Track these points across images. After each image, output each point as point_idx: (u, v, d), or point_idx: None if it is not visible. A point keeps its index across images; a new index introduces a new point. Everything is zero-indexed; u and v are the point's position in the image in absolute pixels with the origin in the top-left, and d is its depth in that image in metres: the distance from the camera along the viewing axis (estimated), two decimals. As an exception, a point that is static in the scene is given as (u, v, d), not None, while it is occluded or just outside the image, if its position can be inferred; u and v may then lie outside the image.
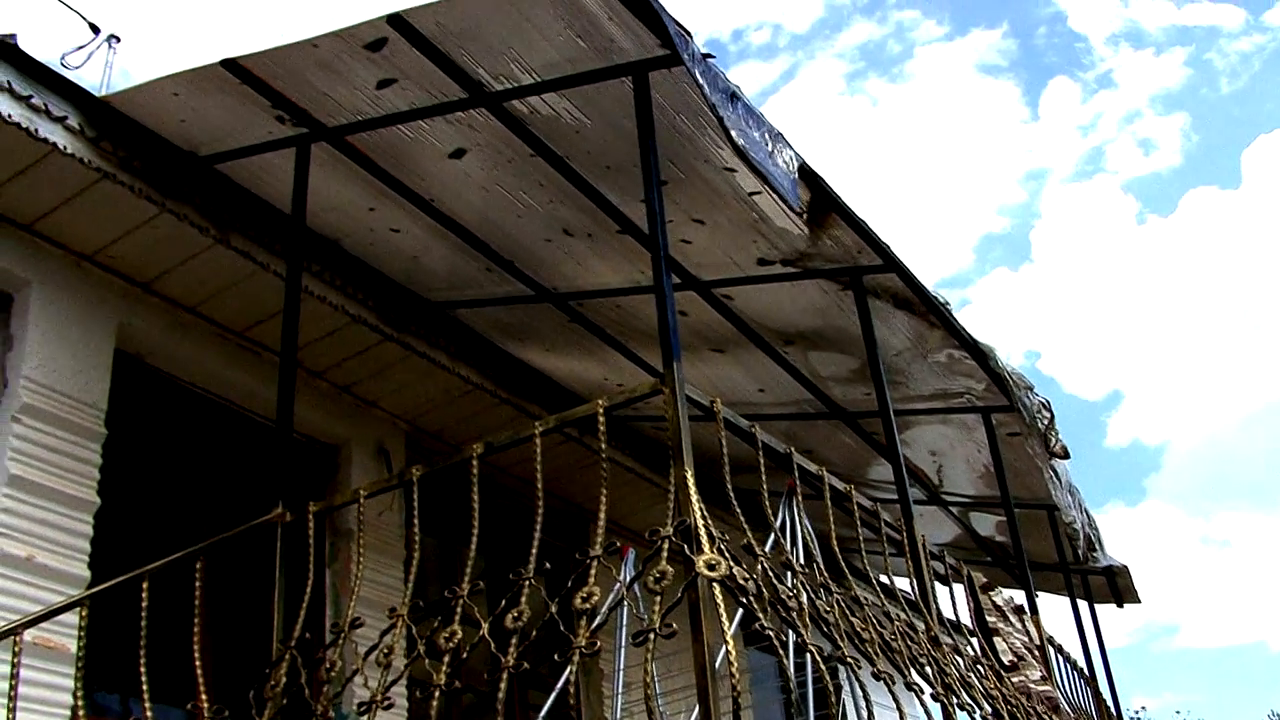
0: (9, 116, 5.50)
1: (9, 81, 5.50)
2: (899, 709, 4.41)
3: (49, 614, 4.95)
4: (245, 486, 7.21)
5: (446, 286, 7.02)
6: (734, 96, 4.87)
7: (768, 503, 4.63)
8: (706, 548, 3.76)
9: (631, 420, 8.16)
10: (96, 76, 8.91)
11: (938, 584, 6.30)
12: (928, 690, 4.74)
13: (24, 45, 5.60)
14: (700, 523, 3.83)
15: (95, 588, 4.86)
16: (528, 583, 4.12)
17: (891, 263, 6.32)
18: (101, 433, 6.15)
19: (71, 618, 5.18)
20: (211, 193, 6.20)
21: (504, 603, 4.04)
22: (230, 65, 5.39)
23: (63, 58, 8.49)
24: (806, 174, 5.50)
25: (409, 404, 7.87)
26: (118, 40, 9.41)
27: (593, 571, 3.98)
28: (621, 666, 6.58)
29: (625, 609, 6.48)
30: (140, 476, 6.61)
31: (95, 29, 9.44)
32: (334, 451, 7.68)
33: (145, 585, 4.67)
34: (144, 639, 4.70)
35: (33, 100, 5.59)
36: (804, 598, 4.20)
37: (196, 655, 4.66)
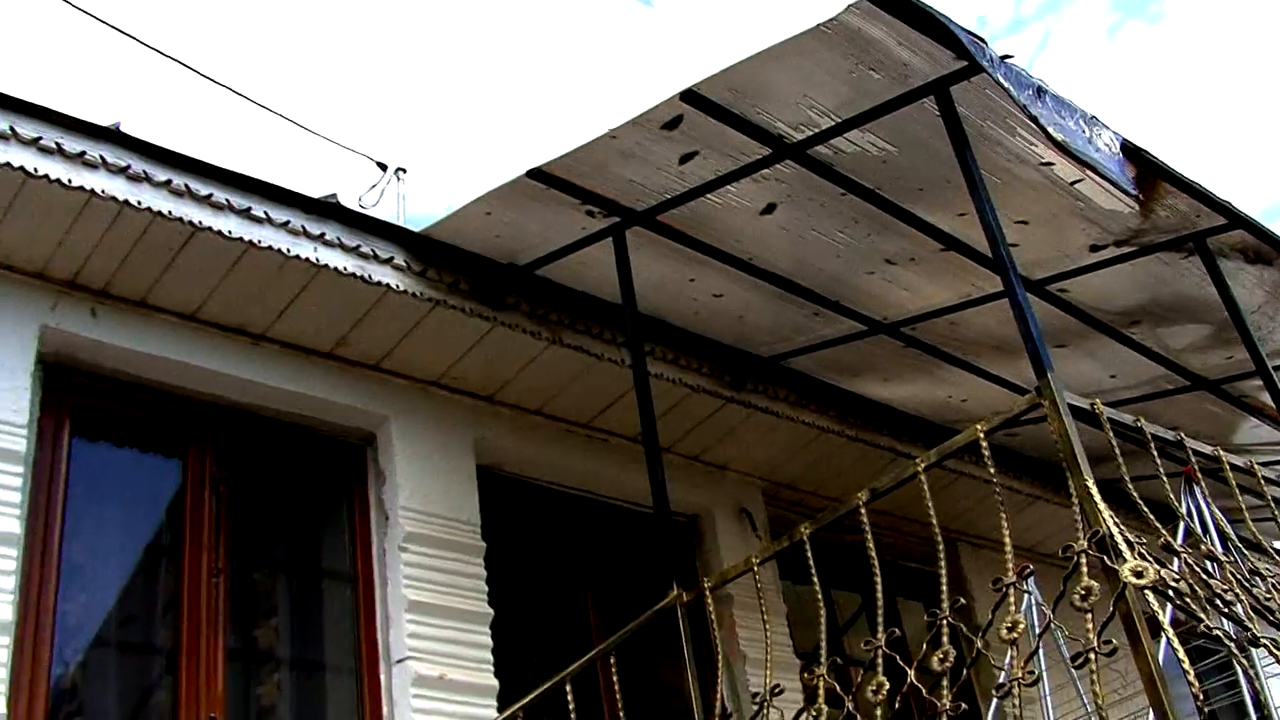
0: (344, 269, 5.80)
1: (338, 237, 5.81)
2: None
3: None
4: (618, 572, 7.38)
5: (775, 339, 7.03)
6: (1040, 91, 4.73)
7: (1171, 495, 4.45)
8: (1128, 555, 3.62)
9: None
10: (391, 209, 9.30)
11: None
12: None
13: (311, 191, 5.91)
14: (1115, 531, 3.68)
15: (526, 698, 4.96)
16: (944, 622, 4.04)
17: (1237, 219, 6.01)
18: (480, 546, 6.37)
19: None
20: (536, 297, 6.38)
21: (925, 645, 3.98)
22: (535, 174, 5.56)
23: (359, 199, 8.95)
24: (1129, 150, 5.29)
25: (759, 461, 7.89)
26: (404, 172, 9.85)
27: (1010, 599, 3.88)
28: (1048, 692, 6.38)
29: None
30: (520, 581, 6.80)
31: (383, 166, 9.90)
32: (694, 521, 7.75)
33: (569, 688, 4.78)
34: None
35: (361, 249, 5.88)
36: (1236, 589, 4.00)
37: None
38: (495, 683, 6.04)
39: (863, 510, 4.49)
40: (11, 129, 5.11)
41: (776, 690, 4.53)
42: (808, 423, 7.57)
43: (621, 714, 4.75)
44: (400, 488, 6.23)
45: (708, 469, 7.75)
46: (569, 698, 4.76)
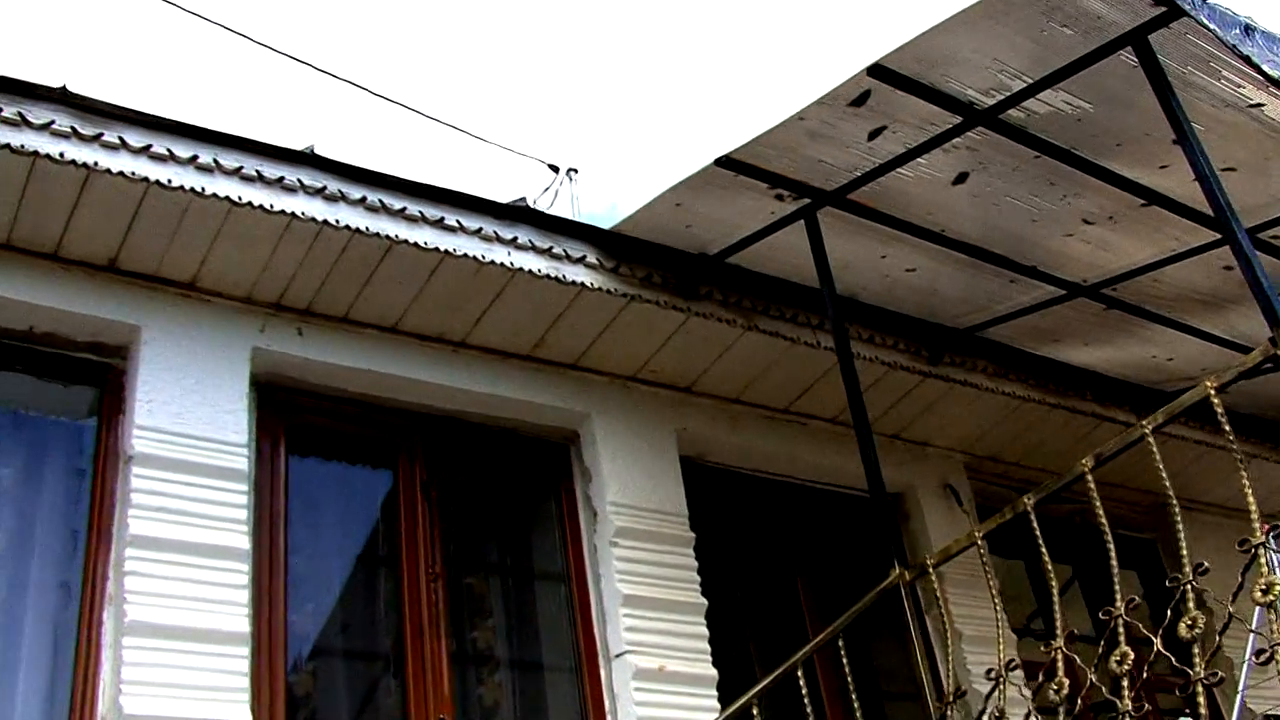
0: (538, 271, 5.86)
1: (531, 240, 5.87)
2: None
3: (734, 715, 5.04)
4: (826, 555, 7.33)
5: (971, 309, 6.89)
6: (1249, 29, 4.54)
7: None
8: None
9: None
10: (565, 211, 9.39)
11: None
12: None
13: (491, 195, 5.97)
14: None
15: (759, 685, 4.91)
16: (1187, 588, 3.91)
17: None
18: (690, 537, 6.39)
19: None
20: (729, 285, 6.37)
21: (1169, 612, 3.86)
22: (724, 162, 5.54)
23: (533, 203, 9.04)
24: (1347, 81, 5.07)
25: (960, 435, 7.76)
26: (575, 173, 9.92)
27: (1262, 561, 3.74)
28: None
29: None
30: (728, 570, 6.79)
31: (554, 168, 9.99)
32: (899, 499, 7.66)
33: (799, 672, 4.76)
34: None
35: (553, 250, 5.93)
36: None
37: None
38: (714, 672, 6.05)
39: (1089, 476, 4.37)
40: (215, 161, 5.27)
41: (1012, 665, 4.44)
42: (1008, 393, 7.43)
43: (854, 695, 4.70)
44: (607, 484, 6.28)
45: (909, 446, 7.65)
46: (801, 683, 4.73)
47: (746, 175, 5.62)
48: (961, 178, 5.70)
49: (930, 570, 4.81)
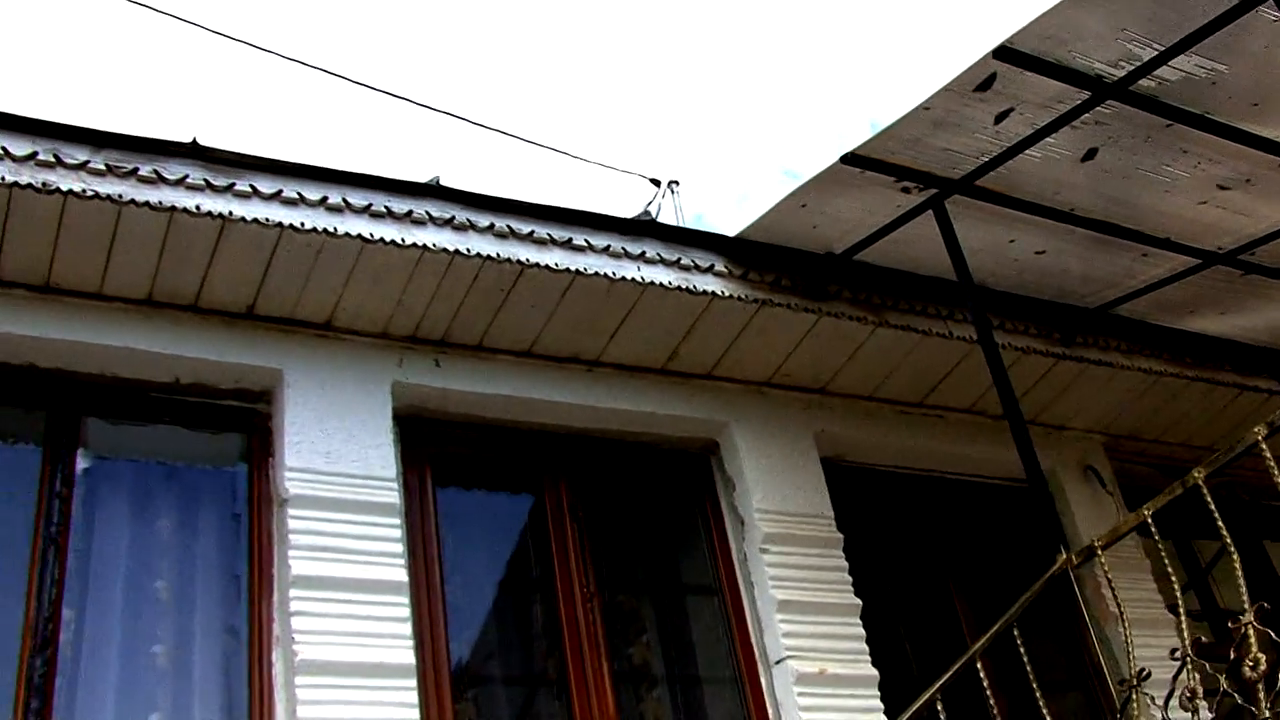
0: (669, 284, 5.85)
1: (659, 253, 5.87)
2: None
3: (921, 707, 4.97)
4: (975, 546, 7.23)
5: (1102, 287, 6.78)
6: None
7: None
8: None
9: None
10: (671, 222, 9.36)
11: None
12: None
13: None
14: None
15: (940, 680, 4.82)
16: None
17: None
18: (838, 538, 6.34)
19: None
20: (857, 283, 6.32)
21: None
22: (849, 159, 5.50)
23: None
24: None
25: (1097, 415, 7.62)
26: (677, 185, 9.92)
27: None
28: None
29: None
30: (877, 568, 6.72)
31: (655, 182, 9.99)
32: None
33: (979, 664, 4.69)
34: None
35: (681, 261, 5.93)
36: None
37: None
38: (875, 673, 5.99)
39: (1263, 444, 4.26)
40: (344, 200, 5.33)
41: (1198, 644, 4.33)
42: (1144, 369, 7.28)
43: (1034, 684, 4.62)
44: (751, 491, 6.25)
45: (1046, 430, 7.52)
46: (981, 674, 4.65)
47: (873, 170, 5.58)
48: (1090, 154, 5.61)
49: (1099, 553, 4.72)
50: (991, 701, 4.62)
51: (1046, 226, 6.13)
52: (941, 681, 4.67)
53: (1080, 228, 6.16)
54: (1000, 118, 5.30)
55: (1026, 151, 5.53)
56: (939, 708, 4.63)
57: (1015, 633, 4.73)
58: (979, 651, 4.67)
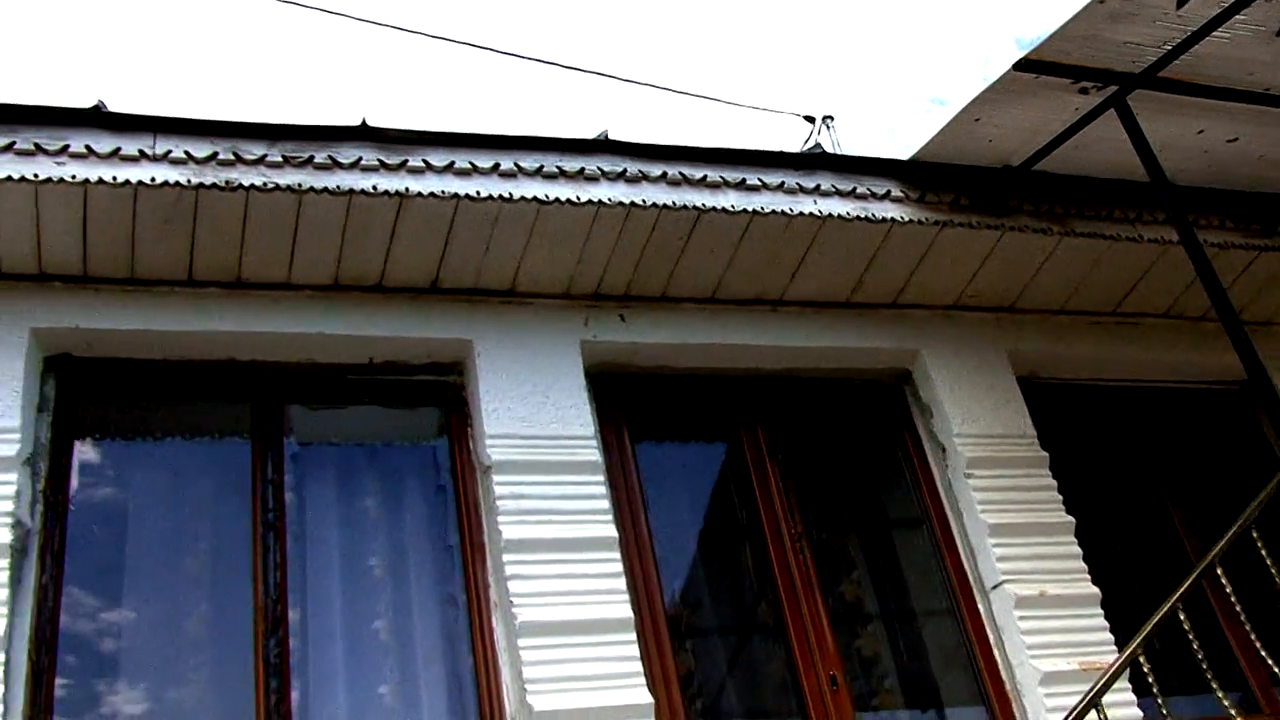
0: (847, 214, 5.75)
1: (834, 185, 5.77)
2: None
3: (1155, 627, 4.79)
4: (1185, 454, 7.00)
5: (1304, 171, 6.49)
6: None
7: None
8: None
9: None
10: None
11: None
12: None
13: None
14: None
15: (1183, 586, 4.65)
16: None
17: None
18: (1044, 457, 6.19)
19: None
20: (1038, 195, 6.12)
21: None
22: (1023, 64, 5.32)
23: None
24: None
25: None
26: (831, 119, 9.76)
27: None
28: None
29: None
30: (1085, 484, 6.53)
31: (810, 119, 9.85)
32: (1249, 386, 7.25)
33: (1219, 570, 4.52)
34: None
35: (857, 191, 5.82)
36: None
37: None
38: (1096, 590, 5.83)
39: None
40: (517, 165, 5.34)
41: None
42: (1354, 252, 6.95)
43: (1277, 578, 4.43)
44: (950, 417, 6.13)
45: (1252, 328, 7.18)
46: (1223, 581, 4.49)
47: (1048, 74, 5.38)
48: (1286, 26, 5.34)
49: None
50: (1236, 604, 4.45)
51: (1239, 111, 5.85)
52: (1182, 590, 4.50)
53: (1275, 108, 5.87)
54: (1182, 1, 5.07)
55: (1214, 33, 5.28)
56: (1181, 617, 4.47)
57: (1254, 534, 4.55)
58: (1219, 554, 4.49)
